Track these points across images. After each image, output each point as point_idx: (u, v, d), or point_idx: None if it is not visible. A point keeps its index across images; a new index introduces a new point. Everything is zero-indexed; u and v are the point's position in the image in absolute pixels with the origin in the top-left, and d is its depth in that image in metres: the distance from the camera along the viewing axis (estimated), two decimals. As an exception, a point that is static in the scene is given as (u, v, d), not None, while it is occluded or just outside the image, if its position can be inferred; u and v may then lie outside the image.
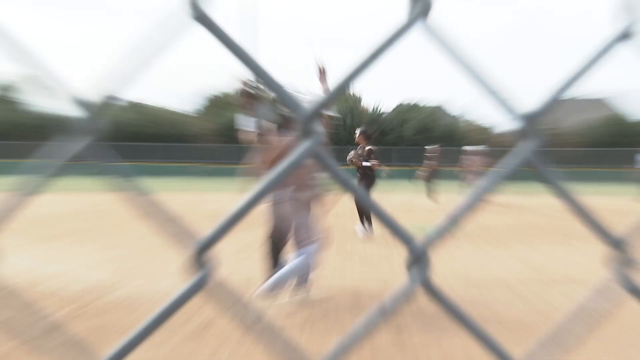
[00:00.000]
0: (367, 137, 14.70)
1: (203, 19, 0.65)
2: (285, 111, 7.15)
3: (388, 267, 10.08)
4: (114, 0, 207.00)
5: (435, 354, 5.59)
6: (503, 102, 0.80)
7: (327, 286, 8.35)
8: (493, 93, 0.79)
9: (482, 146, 30.10)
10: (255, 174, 7.60)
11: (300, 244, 7.27)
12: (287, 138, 7.12)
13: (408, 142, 77.03)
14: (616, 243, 0.83)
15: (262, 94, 8.41)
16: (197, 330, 6.22)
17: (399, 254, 11.44)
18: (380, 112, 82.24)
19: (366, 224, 14.77)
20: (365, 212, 14.99)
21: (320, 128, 0.68)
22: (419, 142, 75.12)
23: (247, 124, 8.38)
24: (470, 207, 0.75)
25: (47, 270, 9.24)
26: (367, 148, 14.48)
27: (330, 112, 7.24)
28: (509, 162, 0.78)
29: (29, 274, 8.82)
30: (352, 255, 11.38)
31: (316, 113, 0.68)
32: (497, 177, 0.78)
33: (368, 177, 14.68)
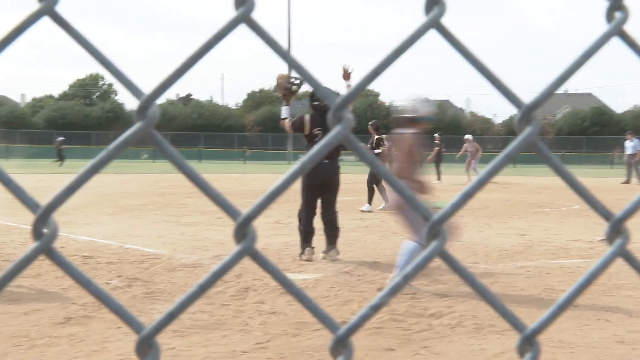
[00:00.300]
0: (376, 128, 15.00)
1: (248, 21, 0.66)
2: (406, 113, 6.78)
3: (403, 239, 10.06)
4: (166, 8, 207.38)
5: (447, 321, 5.59)
6: (510, 94, 0.79)
7: (348, 258, 8.36)
8: (501, 87, 0.78)
9: (470, 135, 30.06)
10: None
11: (414, 235, 6.65)
12: (409, 135, 6.59)
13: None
14: (610, 217, 0.83)
15: (298, 88, 8.40)
16: (233, 298, 6.26)
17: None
18: (396, 105, 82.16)
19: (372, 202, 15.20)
20: (372, 190, 15.22)
21: (350, 115, 0.69)
22: (428, 131, 74.91)
23: (286, 113, 8.41)
24: (480, 186, 0.75)
25: (103, 243, 9.33)
26: (377, 137, 14.80)
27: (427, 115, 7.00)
28: (515, 145, 0.78)
29: (88, 247, 8.91)
30: (370, 229, 11.39)
31: (346, 102, 0.68)
32: (504, 158, 0.78)
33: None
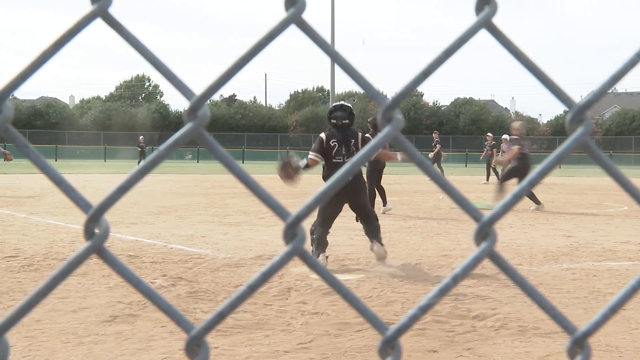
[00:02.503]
0: (373, 126, 14.65)
1: (299, 22, 0.66)
2: None
3: (446, 240, 10.00)
4: (216, 11, 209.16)
5: (491, 323, 5.53)
6: (562, 94, 0.78)
7: (391, 259, 8.32)
8: (553, 87, 0.77)
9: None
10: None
11: None
12: None
13: (462, 132, 76.32)
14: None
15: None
16: (276, 298, 6.28)
17: (456, 229, 11.33)
18: (439, 105, 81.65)
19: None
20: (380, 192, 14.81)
21: (399, 115, 0.69)
22: (472, 131, 74.44)
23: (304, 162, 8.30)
24: (531, 187, 0.74)
25: (148, 243, 9.45)
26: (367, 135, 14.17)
27: None
28: (566, 146, 0.76)
29: (133, 246, 9.04)
30: (413, 230, 11.34)
31: (396, 102, 0.68)
32: (555, 159, 0.77)
33: (376, 161, 14.64)
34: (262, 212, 13.77)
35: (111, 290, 6.39)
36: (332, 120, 8.27)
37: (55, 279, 0.73)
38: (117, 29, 0.69)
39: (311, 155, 8.21)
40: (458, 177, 33.28)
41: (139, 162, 43.19)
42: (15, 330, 4.88)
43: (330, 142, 8.14)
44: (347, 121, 8.23)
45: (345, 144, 8.12)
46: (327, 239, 8.10)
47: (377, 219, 8.31)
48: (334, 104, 8.55)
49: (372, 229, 8.18)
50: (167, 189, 21.30)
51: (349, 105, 8.43)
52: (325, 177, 8.26)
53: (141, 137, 46.35)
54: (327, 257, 8.03)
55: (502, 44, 0.74)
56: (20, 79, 0.70)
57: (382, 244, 8.13)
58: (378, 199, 14.69)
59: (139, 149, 44.89)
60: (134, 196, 16.10)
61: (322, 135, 8.25)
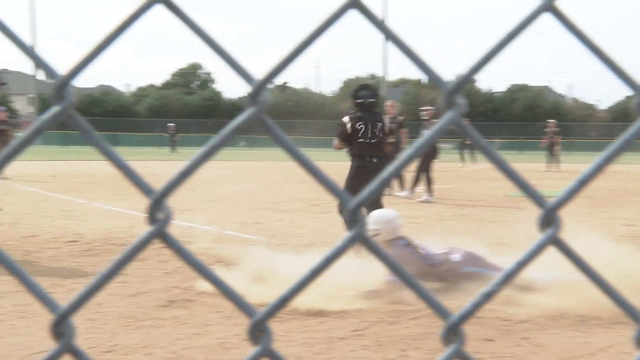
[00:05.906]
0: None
1: (359, 5, 0.65)
2: None
3: (502, 228, 9.87)
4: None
5: (548, 312, 5.44)
6: (628, 78, 0.76)
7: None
8: (619, 70, 0.75)
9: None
10: None
11: None
12: None
13: (517, 118, 75.14)
14: None
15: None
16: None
17: (512, 217, 11.17)
18: (493, 92, 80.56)
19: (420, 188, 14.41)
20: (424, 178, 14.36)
21: (462, 100, 0.68)
22: (527, 118, 73.26)
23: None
24: (597, 172, 0.73)
25: (203, 229, 9.56)
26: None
27: None
28: (635, 130, 0.74)
29: (188, 232, 9.15)
30: (468, 218, 11.22)
31: (459, 86, 0.67)
32: (622, 144, 0.75)
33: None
34: (317, 199, 13.81)
35: (168, 276, 6.50)
36: (358, 100, 8.24)
37: (119, 263, 0.74)
38: (179, 14, 0.70)
39: (335, 141, 8.27)
40: (513, 164, 32.76)
41: (170, 149, 43.83)
42: (79, 313, 5.00)
43: (357, 125, 8.09)
44: (373, 100, 8.19)
45: (372, 126, 8.10)
46: None
47: None
48: (356, 86, 8.56)
49: None
50: (222, 175, 21.52)
51: (373, 85, 8.47)
52: (353, 156, 8.22)
53: (171, 124, 46.87)
54: None
55: (566, 28, 0.72)
56: (83, 64, 0.71)
57: None
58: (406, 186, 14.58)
59: (169, 136, 45.31)
60: (189, 182, 16.26)
61: (345, 119, 8.21)
